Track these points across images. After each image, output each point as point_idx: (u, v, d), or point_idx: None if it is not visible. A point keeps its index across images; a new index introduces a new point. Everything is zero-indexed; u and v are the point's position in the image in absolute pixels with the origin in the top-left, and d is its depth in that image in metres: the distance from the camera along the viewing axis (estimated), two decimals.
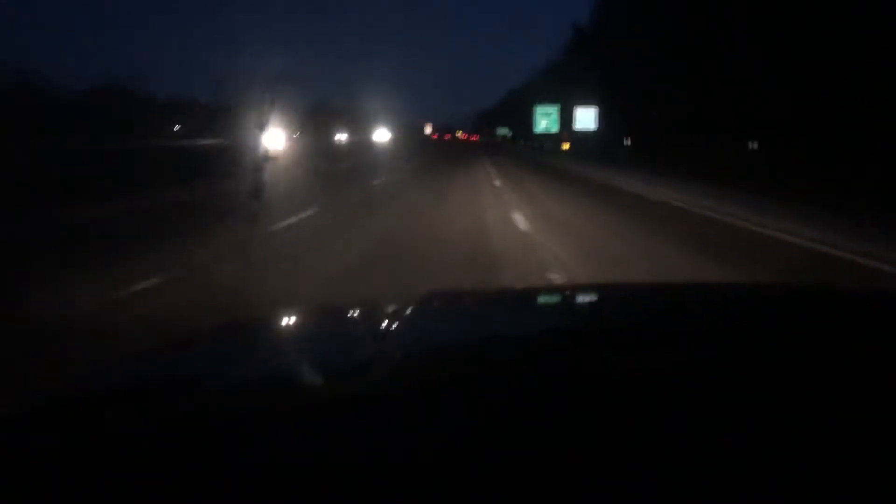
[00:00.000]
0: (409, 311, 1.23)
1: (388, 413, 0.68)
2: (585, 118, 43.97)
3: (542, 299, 1.59)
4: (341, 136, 52.14)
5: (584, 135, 42.88)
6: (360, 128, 68.08)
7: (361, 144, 51.46)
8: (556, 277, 5.50)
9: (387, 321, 1.20)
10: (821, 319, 1.11)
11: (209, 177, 15.32)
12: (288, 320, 1.39)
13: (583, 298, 1.59)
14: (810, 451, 0.62)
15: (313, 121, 45.55)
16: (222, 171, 15.58)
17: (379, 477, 0.58)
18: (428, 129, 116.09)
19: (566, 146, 44.31)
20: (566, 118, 55.25)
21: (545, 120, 57.49)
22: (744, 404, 0.69)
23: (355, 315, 1.36)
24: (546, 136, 59.20)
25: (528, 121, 74.16)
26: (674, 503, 0.56)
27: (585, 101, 43.08)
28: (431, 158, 35.47)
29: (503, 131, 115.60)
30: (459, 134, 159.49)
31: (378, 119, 73.36)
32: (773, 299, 1.36)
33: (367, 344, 1.04)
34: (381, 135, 67.52)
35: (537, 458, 0.60)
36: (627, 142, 28.43)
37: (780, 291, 1.55)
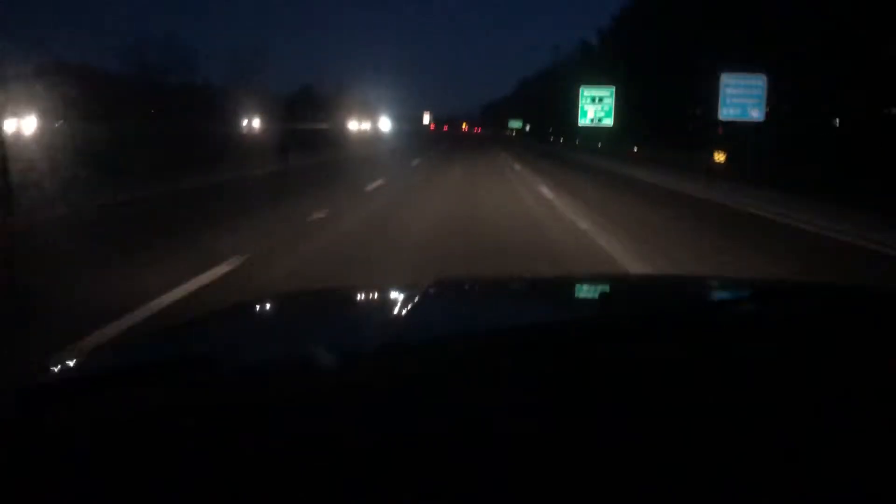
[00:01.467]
0: (418, 297, 1.22)
1: (394, 399, 0.69)
2: (743, 96, 19.46)
3: (551, 288, 1.57)
4: (250, 125, 35.13)
5: (745, 128, 19.51)
6: (338, 117, 51.35)
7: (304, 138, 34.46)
8: None
9: (396, 308, 1.21)
10: (839, 318, 1.07)
11: None
12: (298, 304, 1.39)
13: (593, 289, 1.56)
14: (819, 452, 0.62)
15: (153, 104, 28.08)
16: None
17: (386, 462, 0.59)
18: (426, 119, 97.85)
19: (721, 158, 20.92)
20: (631, 105, 38.67)
21: (594, 108, 40.45)
22: (747, 403, 0.69)
23: (365, 301, 1.40)
24: (595, 131, 41.87)
25: (556, 110, 57.54)
26: (677, 500, 0.56)
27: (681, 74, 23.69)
28: (438, 159, 24.67)
29: (515, 124, 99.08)
30: (464, 126, 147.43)
31: (373, 109, 60.67)
32: (787, 296, 1.34)
33: (375, 330, 1.04)
34: (383, 125, 60.63)
35: (543, 445, 0.61)
36: None
37: (795, 289, 1.56)
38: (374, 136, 48.39)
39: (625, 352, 0.82)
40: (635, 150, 33.11)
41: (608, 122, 40.30)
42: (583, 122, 41.01)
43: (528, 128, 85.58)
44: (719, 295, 1.42)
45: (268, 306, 1.38)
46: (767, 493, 0.55)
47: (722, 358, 0.82)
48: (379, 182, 13.71)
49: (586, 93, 40.57)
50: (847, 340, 0.88)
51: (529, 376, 0.74)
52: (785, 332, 0.92)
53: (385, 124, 62.44)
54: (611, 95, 40.20)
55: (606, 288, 1.56)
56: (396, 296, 1.36)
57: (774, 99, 20.19)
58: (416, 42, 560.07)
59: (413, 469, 0.58)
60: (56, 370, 0.96)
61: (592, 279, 2.02)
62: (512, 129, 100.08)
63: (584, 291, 1.56)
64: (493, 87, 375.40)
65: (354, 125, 48.40)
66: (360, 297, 1.47)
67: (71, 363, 1.05)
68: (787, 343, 0.87)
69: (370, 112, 58.22)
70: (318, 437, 0.62)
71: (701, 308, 1.23)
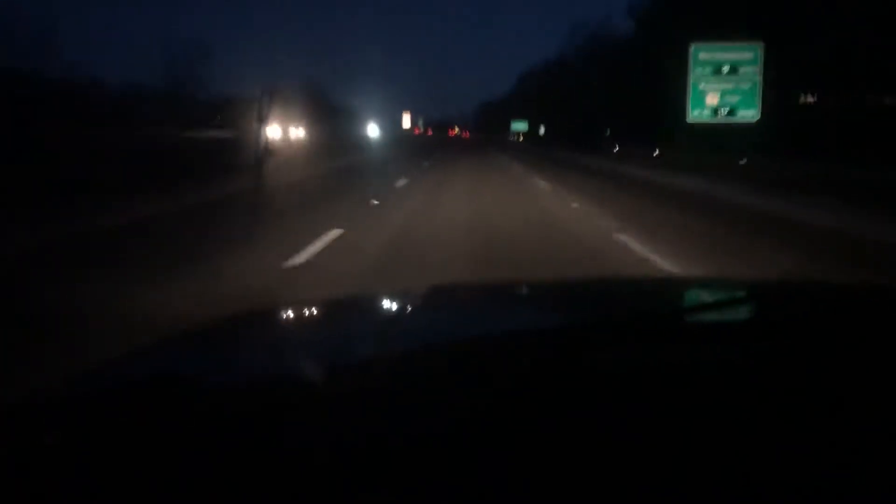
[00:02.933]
0: (413, 305, 1.22)
1: (391, 408, 0.69)
2: None
3: (547, 293, 1.53)
4: None
5: None
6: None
7: None
8: None
9: (391, 315, 1.22)
10: (840, 319, 1.06)
11: None
12: (292, 314, 1.37)
13: (590, 292, 1.52)
14: (818, 453, 0.62)
15: None
16: None
17: (382, 472, 0.59)
18: (406, 122, 74.94)
19: None
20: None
21: (718, 87, 20.46)
22: (745, 405, 0.69)
23: (360, 309, 1.38)
24: (728, 134, 21.48)
25: (608, 102, 37.45)
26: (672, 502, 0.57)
27: None
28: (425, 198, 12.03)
29: (520, 126, 79.04)
30: (452, 131, 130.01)
31: (347, 112, 52.75)
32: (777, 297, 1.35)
33: (371, 338, 1.04)
34: (372, 131, 52.85)
35: (539, 452, 0.61)
36: None
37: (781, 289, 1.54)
38: (320, 147, 28.80)
39: (622, 355, 0.82)
40: None
41: (749, 113, 20.49)
42: (696, 114, 20.56)
43: (542, 130, 63.73)
44: (716, 296, 1.37)
45: (263, 318, 1.32)
46: (768, 495, 0.56)
47: (720, 360, 0.81)
48: None
49: (703, 55, 19.89)
50: (847, 340, 0.88)
51: (528, 383, 0.73)
52: (781, 334, 0.92)
53: (373, 130, 53.18)
54: (754, 59, 19.65)
55: (605, 291, 1.54)
56: (391, 302, 1.35)
57: None
58: (401, 44, 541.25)
59: (410, 477, 0.58)
60: (51, 388, 0.96)
61: (592, 283, 1.93)
62: (517, 133, 79.45)
63: (583, 295, 1.48)
64: (486, 88, 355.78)
65: (275, 131, 28.08)
66: (357, 305, 1.42)
67: (68, 380, 1.00)
68: (784, 344, 0.86)
69: (332, 113, 41.06)
70: (313, 448, 0.63)
71: (697, 310, 1.22)
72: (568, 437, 0.63)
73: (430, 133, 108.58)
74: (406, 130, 69.72)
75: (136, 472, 0.60)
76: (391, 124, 76.10)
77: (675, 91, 21.25)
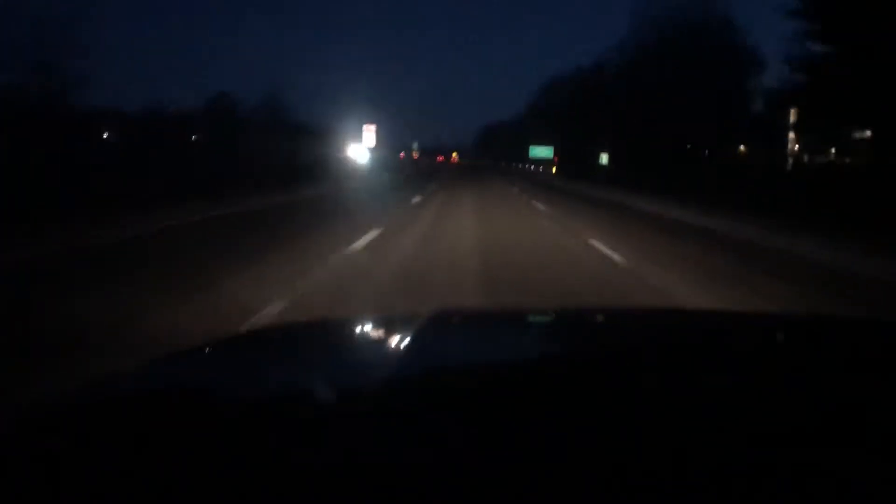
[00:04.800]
0: (418, 328, 1.23)
1: (393, 430, 0.70)
2: None
3: (552, 320, 1.54)
4: None
5: None
6: None
7: None
8: None
9: (397, 338, 1.22)
10: (824, 349, 1.09)
11: None
12: (300, 333, 1.37)
13: (593, 321, 1.55)
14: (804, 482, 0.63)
15: None
16: None
17: (382, 493, 0.60)
18: (371, 138, 46.11)
19: None
20: None
21: None
22: (739, 427, 0.71)
23: (365, 331, 1.38)
24: None
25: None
26: None
27: None
28: None
29: (542, 152, 65.07)
30: (446, 157, 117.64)
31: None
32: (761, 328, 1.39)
33: (375, 361, 1.04)
34: (360, 155, 42.02)
35: (539, 477, 0.62)
36: None
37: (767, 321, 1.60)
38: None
39: (623, 384, 0.83)
40: None
41: None
42: None
43: (604, 159, 46.12)
44: (725, 328, 1.38)
45: (271, 337, 1.34)
46: None
47: (722, 388, 0.83)
48: None
49: None
50: (830, 371, 0.89)
51: (530, 409, 0.74)
52: (761, 363, 0.94)
53: (360, 153, 42.68)
54: None
55: (609, 320, 1.54)
56: (397, 326, 1.34)
57: None
58: (400, 72, 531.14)
59: (411, 499, 0.58)
60: (57, 398, 0.94)
61: (597, 312, 1.96)
62: (549, 163, 64.63)
63: (587, 323, 1.48)
64: (489, 115, 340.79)
65: None
66: (362, 326, 1.43)
67: (74, 391, 1.00)
68: (763, 373, 0.88)
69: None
70: (316, 467, 0.63)
71: (706, 341, 1.23)
72: (570, 463, 0.64)
73: (416, 157, 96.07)
74: (373, 150, 45.90)
75: (149, 480, 0.61)
76: (388, 151, 61.18)
77: None
